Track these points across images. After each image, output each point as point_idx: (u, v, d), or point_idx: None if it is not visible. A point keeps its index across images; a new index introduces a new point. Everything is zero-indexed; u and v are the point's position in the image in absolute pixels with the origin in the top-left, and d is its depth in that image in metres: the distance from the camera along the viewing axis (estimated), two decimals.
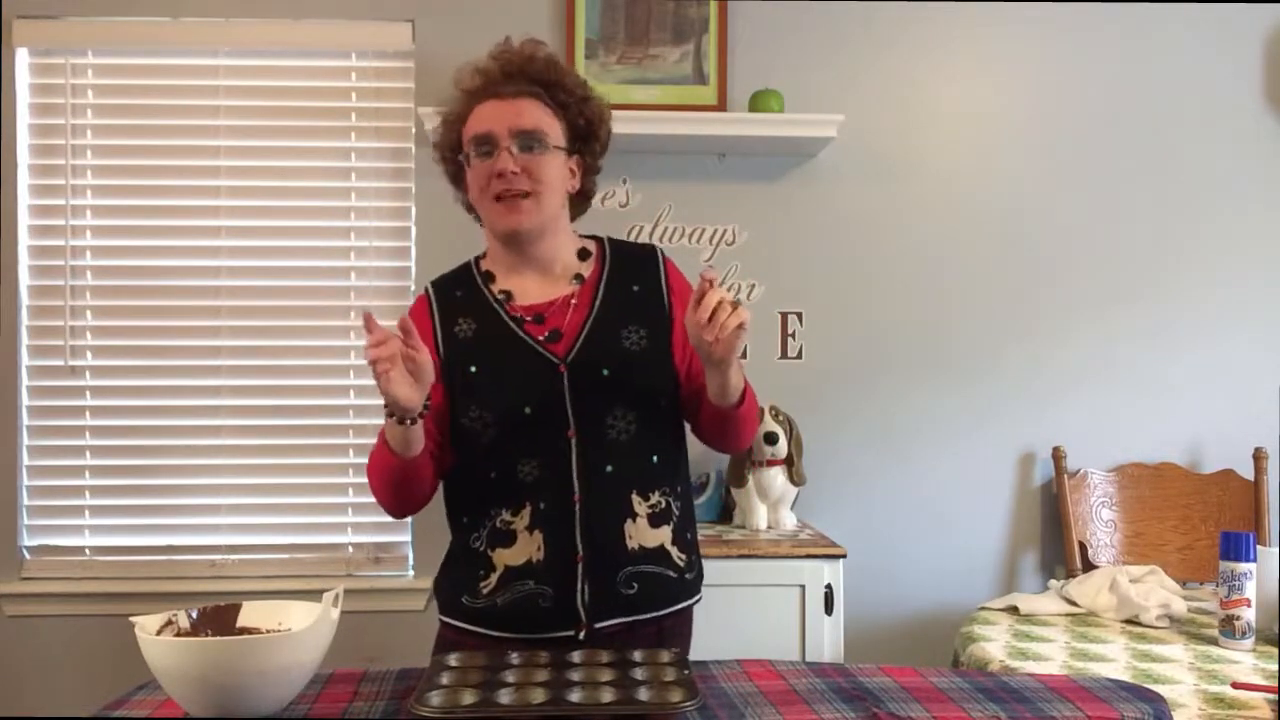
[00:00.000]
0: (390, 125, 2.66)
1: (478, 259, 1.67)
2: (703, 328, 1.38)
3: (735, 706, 1.23)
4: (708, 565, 1.69)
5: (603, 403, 1.55)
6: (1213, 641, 1.98)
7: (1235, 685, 1.71)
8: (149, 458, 2.64)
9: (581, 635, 1.52)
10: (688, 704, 1.14)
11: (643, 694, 1.16)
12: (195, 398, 2.64)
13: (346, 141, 2.67)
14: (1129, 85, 2.73)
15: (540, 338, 1.56)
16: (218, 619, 1.27)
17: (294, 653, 1.17)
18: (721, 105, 2.63)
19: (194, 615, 1.26)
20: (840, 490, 2.69)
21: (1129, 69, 2.73)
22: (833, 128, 2.51)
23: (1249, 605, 1.93)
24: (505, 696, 1.16)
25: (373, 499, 1.57)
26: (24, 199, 2.62)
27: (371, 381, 1.35)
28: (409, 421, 1.40)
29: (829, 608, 2.23)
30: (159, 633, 1.21)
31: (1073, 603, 2.27)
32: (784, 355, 2.70)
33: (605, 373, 1.54)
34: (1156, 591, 2.17)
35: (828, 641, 2.22)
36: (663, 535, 1.57)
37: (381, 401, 1.37)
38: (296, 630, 1.18)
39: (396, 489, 1.53)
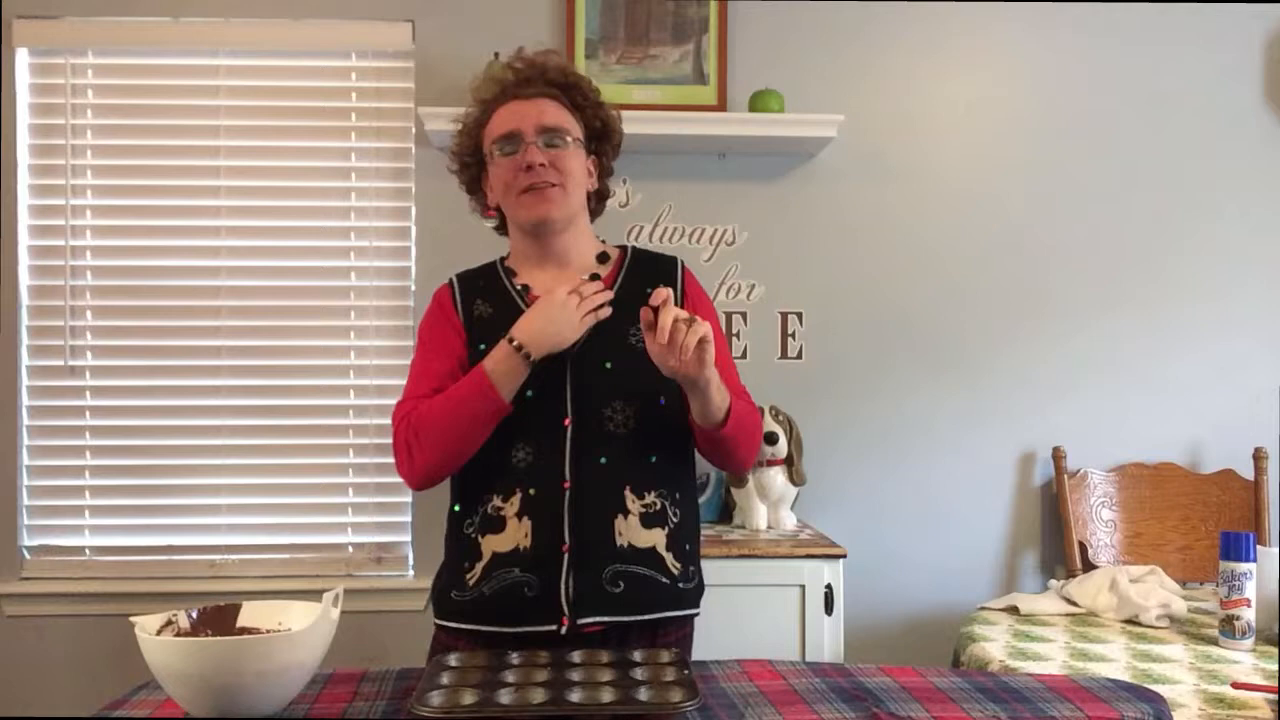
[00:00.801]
0: (390, 125, 2.66)
1: (502, 259, 1.72)
2: (665, 351, 1.40)
3: (735, 706, 1.23)
4: (708, 565, 1.69)
5: (602, 395, 1.56)
6: (1213, 641, 1.98)
7: (1235, 685, 1.71)
8: (149, 458, 2.64)
9: (564, 630, 1.51)
10: (688, 704, 1.14)
11: (643, 694, 1.16)
12: (195, 398, 2.64)
13: (346, 142, 2.67)
14: (1129, 86, 2.73)
15: None
16: (218, 619, 1.27)
17: (294, 653, 1.17)
18: (721, 105, 2.63)
19: (194, 615, 1.26)
20: (840, 490, 2.69)
21: (1129, 69, 2.73)
22: (833, 128, 2.52)
23: (1249, 605, 1.93)
24: (505, 696, 1.16)
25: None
26: (24, 199, 2.62)
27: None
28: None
29: (829, 608, 2.23)
30: (159, 633, 1.21)
31: (1073, 603, 2.27)
32: (784, 355, 2.70)
33: (608, 365, 1.57)
34: (1156, 591, 2.17)
35: (828, 641, 2.22)
36: (655, 538, 1.56)
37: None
38: (296, 630, 1.18)
39: (472, 438, 1.53)
